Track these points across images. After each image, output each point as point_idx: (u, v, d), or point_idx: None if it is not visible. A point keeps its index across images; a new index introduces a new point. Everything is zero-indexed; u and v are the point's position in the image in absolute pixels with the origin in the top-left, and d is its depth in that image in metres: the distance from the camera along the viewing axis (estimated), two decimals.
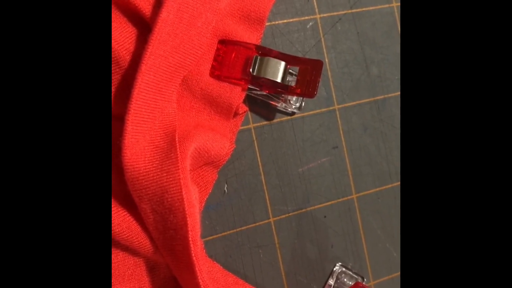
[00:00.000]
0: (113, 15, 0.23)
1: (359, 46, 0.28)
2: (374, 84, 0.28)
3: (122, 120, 0.22)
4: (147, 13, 0.23)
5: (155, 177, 0.22)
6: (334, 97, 0.28)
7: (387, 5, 0.29)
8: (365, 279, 0.27)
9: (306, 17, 0.27)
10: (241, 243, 0.26)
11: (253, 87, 0.25)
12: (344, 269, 0.27)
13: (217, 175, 0.25)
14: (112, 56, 0.23)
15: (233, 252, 0.26)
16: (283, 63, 0.24)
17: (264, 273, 0.26)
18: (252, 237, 0.26)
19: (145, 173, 0.22)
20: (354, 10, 0.28)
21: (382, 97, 0.28)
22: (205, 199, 0.25)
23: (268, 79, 0.24)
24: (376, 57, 0.28)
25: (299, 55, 0.27)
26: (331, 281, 0.27)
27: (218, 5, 0.23)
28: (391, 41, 0.29)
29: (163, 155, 0.22)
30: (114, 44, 0.23)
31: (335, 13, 0.28)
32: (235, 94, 0.24)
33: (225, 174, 0.26)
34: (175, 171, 0.21)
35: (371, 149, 0.28)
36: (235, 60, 0.24)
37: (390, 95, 0.29)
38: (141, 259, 0.24)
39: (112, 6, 0.23)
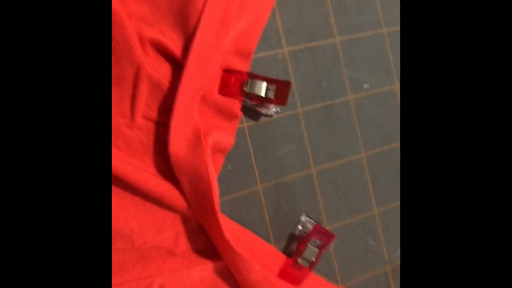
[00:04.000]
0: (154, 56, 0.35)
1: (314, 69, 0.41)
2: (324, 94, 0.42)
3: (165, 125, 0.35)
4: (178, 55, 0.35)
5: (190, 160, 0.34)
6: (298, 104, 0.41)
7: (331, 40, 0.42)
8: (321, 224, 0.41)
9: (277, 51, 0.40)
10: (240, 202, 0.39)
11: (246, 99, 0.38)
12: (308, 218, 0.41)
13: (224, 158, 0.38)
14: (157, 83, 0.35)
15: (235, 209, 0.39)
16: (265, 83, 0.37)
17: (255, 223, 0.39)
18: (247, 199, 0.39)
19: (183, 158, 0.34)
20: (309, 45, 0.41)
21: (330, 103, 0.42)
22: (218, 174, 0.38)
23: (256, 94, 0.37)
24: (325, 76, 0.42)
25: (274, 77, 0.40)
26: (300, 226, 0.41)
27: (224, 48, 0.36)
28: (335, 65, 0.42)
29: (194, 146, 0.34)
30: (157, 75, 0.35)
31: (297, 47, 0.41)
32: (235, 105, 0.37)
33: (229, 158, 0.39)
34: (202, 155, 0.34)
35: (324, 136, 0.42)
36: (234, 82, 0.37)
37: (335, 101, 0.42)
38: (178, 214, 0.36)
39: (153, 49, 0.35)
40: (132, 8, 0.34)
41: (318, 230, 0.39)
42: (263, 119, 0.40)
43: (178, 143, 0.34)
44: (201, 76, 0.35)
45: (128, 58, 0.34)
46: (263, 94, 0.37)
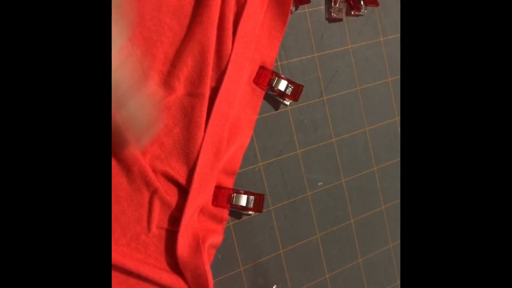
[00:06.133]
0: (165, 182, 0.47)
1: (281, 176, 0.55)
2: (289, 194, 0.55)
3: (173, 232, 0.47)
4: (183, 182, 0.47)
5: (192, 260, 0.47)
6: (270, 203, 0.54)
7: (294, 152, 0.56)
8: None
9: (255, 165, 0.53)
10: (227, 282, 0.52)
11: (232, 208, 0.51)
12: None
13: (215, 251, 0.51)
14: (167, 203, 0.47)
15: (224, 287, 0.52)
16: (245, 196, 0.50)
17: None
18: (233, 279, 0.52)
19: (187, 258, 0.47)
20: (278, 158, 0.55)
21: (293, 199, 0.56)
22: (211, 262, 0.51)
23: (239, 205, 0.50)
24: (290, 180, 0.55)
25: (253, 188, 0.53)
26: None
27: (217, 173, 0.49)
28: (297, 170, 0.56)
29: (195, 250, 0.47)
30: (168, 196, 0.47)
31: (269, 161, 0.54)
32: (224, 212, 0.50)
33: (219, 249, 0.52)
34: (201, 257, 0.47)
35: (288, 225, 0.55)
36: (224, 197, 0.50)
37: (297, 198, 0.56)
38: None
39: (164, 178, 0.47)
40: (147, 148, 0.47)
41: None
42: (244, 217, 0.53)
43: (183, 247, 0.47)
44: (201, 197, 0.48)
45: (145, 185, 0.46)
46: (244, 204, 0.50)
